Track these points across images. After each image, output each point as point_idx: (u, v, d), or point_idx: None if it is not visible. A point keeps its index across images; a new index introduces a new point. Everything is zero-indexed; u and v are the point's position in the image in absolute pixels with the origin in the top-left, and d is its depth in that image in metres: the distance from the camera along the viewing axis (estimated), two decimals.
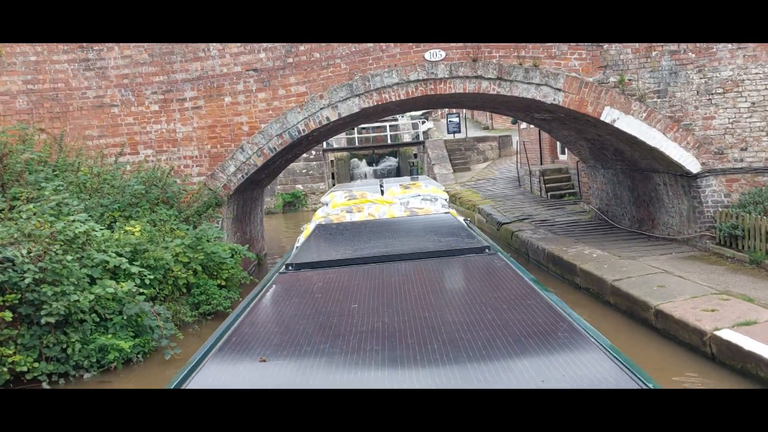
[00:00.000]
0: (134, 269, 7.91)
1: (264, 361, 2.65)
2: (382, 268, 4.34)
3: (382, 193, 9.97)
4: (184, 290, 9.41)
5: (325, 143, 29.35)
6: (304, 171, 28.02)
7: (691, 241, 10.26)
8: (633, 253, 10.17)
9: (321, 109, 10.70)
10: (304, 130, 10.82)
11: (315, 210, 9.60)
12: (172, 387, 2.51)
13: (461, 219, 7.58)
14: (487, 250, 4.66)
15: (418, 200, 9.18)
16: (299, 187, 27.80)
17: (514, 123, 26.22)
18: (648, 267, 9.10)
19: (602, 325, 8.21)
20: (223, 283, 9.89)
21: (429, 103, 13.39)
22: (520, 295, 3.34)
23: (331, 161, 31.32)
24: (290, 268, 4.68)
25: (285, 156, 12.61)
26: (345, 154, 32.59)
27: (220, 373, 2.63)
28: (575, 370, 2.29)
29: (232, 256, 10.11)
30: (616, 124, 10.00)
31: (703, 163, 9.85)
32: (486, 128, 40.74)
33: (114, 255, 7.96)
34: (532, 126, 23.04)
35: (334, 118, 10.74)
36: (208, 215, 10.68)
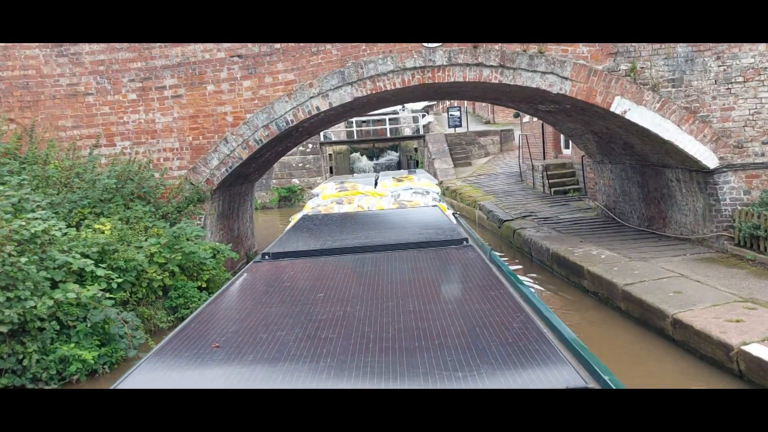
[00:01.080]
0: (100, 272, 7.22)
1: (217, 347, 2.63)
2: (356, 258, 4.35)
3: (376, 185, 10.01)
4: (161, 293, 8.73)
5: (322, 136, 28.68)
6: (300, 165, 27.28)
7: (707, 242, 9.54)
8: (644, 254, 9.46)
9: (311, 98, 9.98)
10: (292, 121, 10.11)
11: None
12: (111, 387, 2.36)
13: (448, 212, 7.56)
14: (464, 242, 4.63)
15: (409, 193, 9.20)
16: (295, 181, 27.08)
17: (516, 117, 25.50)
18: (662, 270, 8.39)
19: (612, 333, 7.52)
20: (204, 285, 9.21)
21: (427, 94, 12.67)
22: (485, 286, 3.32)
23: (330, 155, 30.63)
24: (266, 257, 4.67)
25: (274, 148, 11.91)
26: (344, 148, 31.91)
27: (158, 370, 2.50)
28: (522, 360, 2.23)
29: (214, 256, 9.43)
30: (627, 116, 9.28)
31: (720, 158, 9.12)
32: (487, 122, 40.08)
33: (78, 256, 7.27)
34: (535, 119, 22.32)
35: (324, 108, 10.03)
36: (189, 212, 9.98)
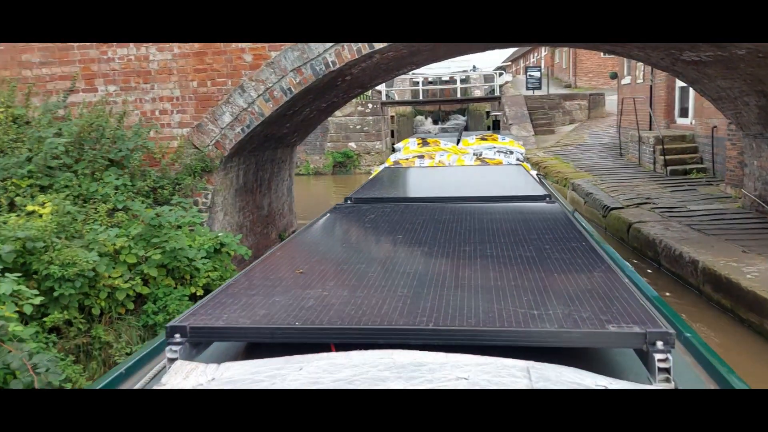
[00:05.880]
0: (5, 286, 4.50)
1: (301, 272, 2.69)
2: (435, 207, 4.36)
3: (458, 142, 9.95)
4: (131, 306, 6.02)
5: (384, 95, 25.55)
6: (358, 127, 24.30)
7: None
8: None
9: None
10: (334, 63, 7.10)
11: (368, 173, 8.81)
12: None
13: (533, 172, 7.29)
14: (547, 199, 4.57)
15: (492, 152, 9.16)
16: (352, 145, 24.16)
17: (613, 77, 21.57)
18: None
19: None
20: (200, 293, 6.45)
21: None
22: (567, 238, 3.20)
23: (392, 117, 27.58)
24: (349, 201, 4.86)
25: (314, 104, 8.96)
26: (408, 110, 28.78)
27: (241, 292, 2.45)
28: (601, 306, 2.09)
29: (217, 251, 6.64)
30: None
31: None
32: (568, 86, 35.93)
33: None
34: (639, 80, 18.50)
35: (381, 44, 6.96)
36: (188, 187, 7.20)
